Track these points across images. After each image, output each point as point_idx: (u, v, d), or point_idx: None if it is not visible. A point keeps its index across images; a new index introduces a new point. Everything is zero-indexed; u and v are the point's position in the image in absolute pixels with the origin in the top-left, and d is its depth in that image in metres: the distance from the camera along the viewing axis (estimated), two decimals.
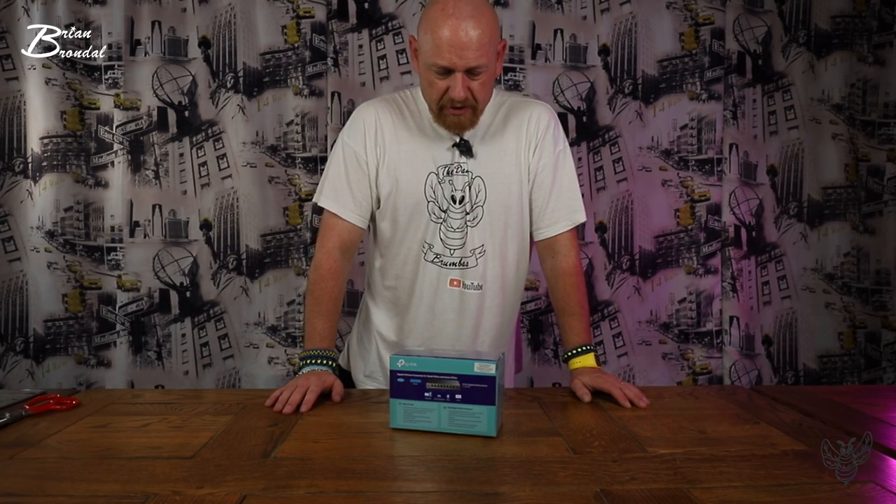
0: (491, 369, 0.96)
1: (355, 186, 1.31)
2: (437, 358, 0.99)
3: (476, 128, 1.31)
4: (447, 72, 1.19)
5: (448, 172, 1.30)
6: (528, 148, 1.34)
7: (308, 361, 1.22)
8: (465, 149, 1.30)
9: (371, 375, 1.43)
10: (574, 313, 1.31)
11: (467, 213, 1.31)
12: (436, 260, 1.32)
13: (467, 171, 1.30)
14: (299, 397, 1.11)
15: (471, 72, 1.19)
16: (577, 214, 1.36)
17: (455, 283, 1.33)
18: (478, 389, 0.97)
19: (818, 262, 2.37)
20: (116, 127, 2.14)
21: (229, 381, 2.21)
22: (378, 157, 1.31)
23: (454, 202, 1.30)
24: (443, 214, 1.31)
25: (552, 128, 1.35)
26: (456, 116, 1.25)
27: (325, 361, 1.22)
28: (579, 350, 1.28)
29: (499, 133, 1.33)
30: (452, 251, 1.32)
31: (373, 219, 1.37)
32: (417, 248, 1.32)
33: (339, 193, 1.32)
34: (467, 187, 1.30)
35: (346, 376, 1.45)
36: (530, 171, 1.34)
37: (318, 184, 1.37)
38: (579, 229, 1.42)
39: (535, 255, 1.43)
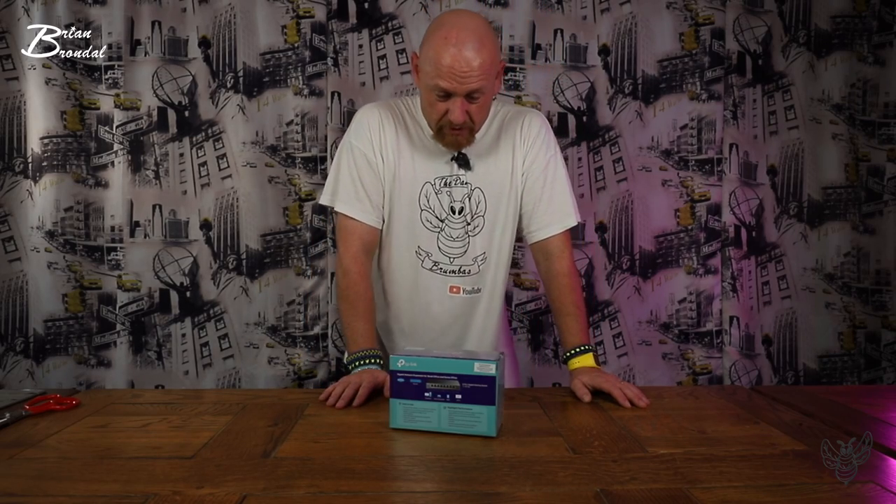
0: (491, 369, 0.96)
1: (370, 189, 1.33)
2: (438, 358, 0.99)
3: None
4: (447, 95, 1.21)
5: (446, 184, 1.33)
6: (520, 154, 1.36)
7: (357, 363, 1.24)
8: (463, 162, 1.32)
9: None
10: (570, 314, 1.32)
11: (468, 224, 1.34)
12: (434, 268, 1.35)
13: (466, 183, 1.33)
14: (352, 392, 1.14)
15: (470, 96, 1.21)
16: (569, 218, 1.37)
17: (455, 289, 1.36)
18: (478, 389, 0.97)
19: (818, 262, 2.36)
20: (116, 127, 2.14)
21: (229, 381, 2.21)
22: (382, 157, 1.33)
23: (454, 213, 1.33)
24: (440, 224, 1.33)
25: (543, 134, 1.37)
26: (454, 136, 1.27)
27: (373, 361, 1.24)
28: (577, 350, 1.29)
29: (494, 144, 1.36)
30: (452, 259, 1.35)
31: None
32: (412, 255, 1.35)
33: (354, 197, 1.32)
34: (467, 198, 1.33)
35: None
36: (522, 176, 1.37)
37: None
38: (578, 231, 1.43)
39: (531, 258, 1.43)
